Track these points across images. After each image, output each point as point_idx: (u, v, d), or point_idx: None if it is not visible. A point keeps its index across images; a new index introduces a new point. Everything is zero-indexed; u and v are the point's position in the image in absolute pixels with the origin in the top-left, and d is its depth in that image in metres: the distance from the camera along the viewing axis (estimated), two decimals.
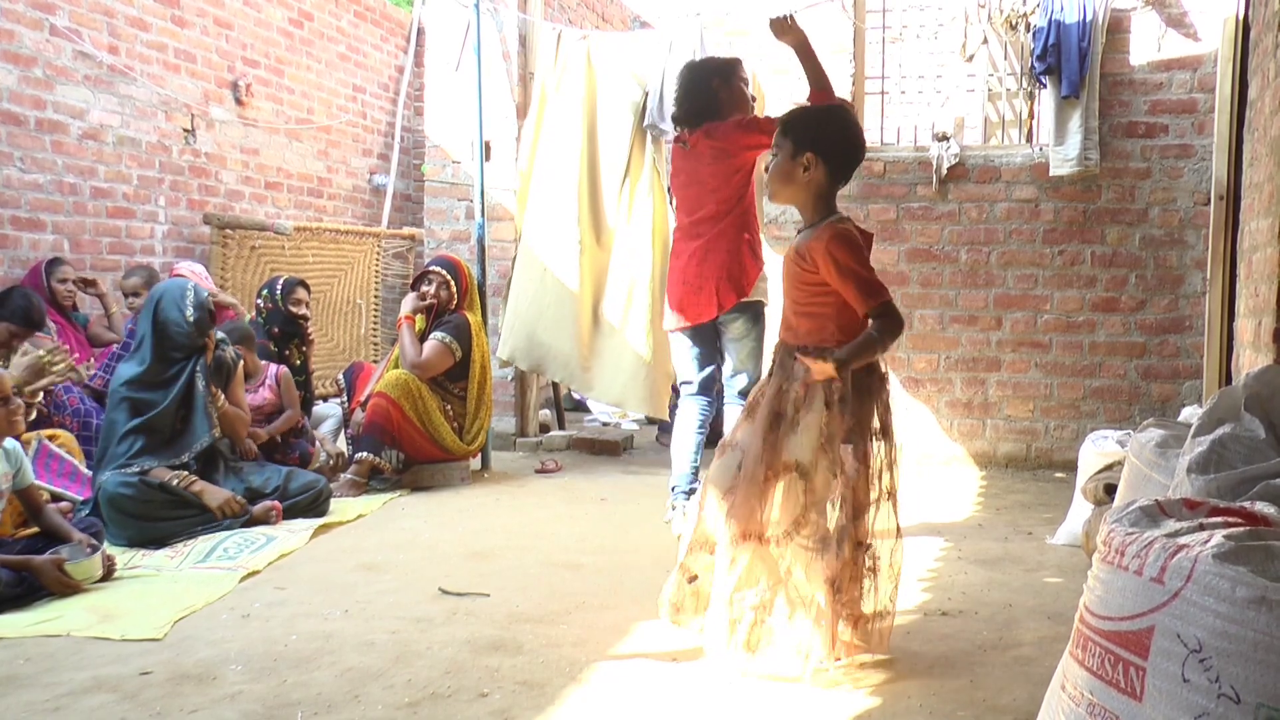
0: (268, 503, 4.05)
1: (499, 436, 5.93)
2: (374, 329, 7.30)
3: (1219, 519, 1.73)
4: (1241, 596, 1.48)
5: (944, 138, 5.66)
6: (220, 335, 4.31)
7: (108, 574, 3.28)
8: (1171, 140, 5.36)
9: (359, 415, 4.96)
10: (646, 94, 5.59)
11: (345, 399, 5.41)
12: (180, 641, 2.76)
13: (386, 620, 2.93)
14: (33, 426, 4.14)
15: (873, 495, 2.62)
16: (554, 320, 5.61)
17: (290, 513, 4.11)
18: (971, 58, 6.22)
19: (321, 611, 3.01)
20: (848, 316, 2.62)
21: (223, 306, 5.48)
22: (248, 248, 6.29)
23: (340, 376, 5.63)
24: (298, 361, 5.39)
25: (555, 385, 6.67)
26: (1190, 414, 3.68)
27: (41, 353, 3.96)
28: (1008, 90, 6.26)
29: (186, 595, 3.15)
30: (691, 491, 3.98)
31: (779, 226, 5.71)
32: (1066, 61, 5.22)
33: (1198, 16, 5.30)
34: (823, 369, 2.54)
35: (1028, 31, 5.70)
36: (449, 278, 5.07)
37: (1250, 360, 3.76)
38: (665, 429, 6.37)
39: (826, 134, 2.70)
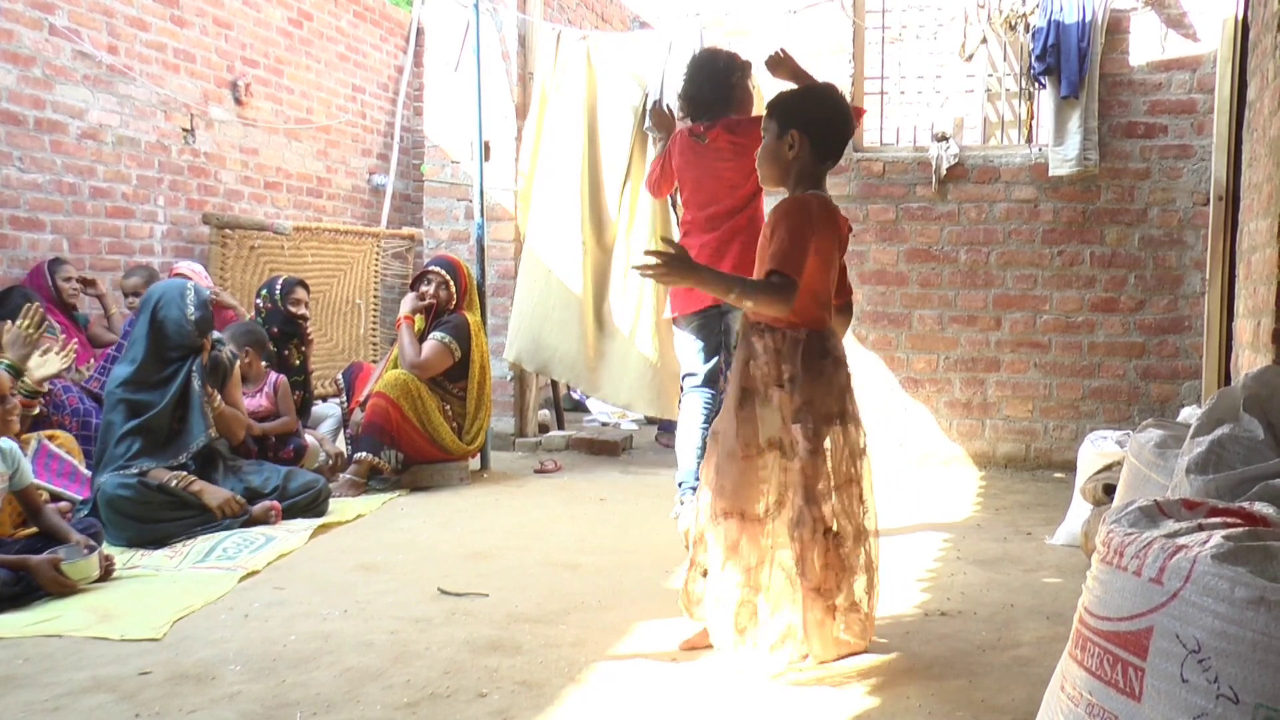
0: (267, 503, 4.05)
1: (498, 436, 5.93)
2: (373, 329, 7.30)
3: (1218, 519, 1.73)
4: (1240, 597, 1.48)
5: (943, 138, 5.67)
6: (217, 335, 4.30)
7: (106, 574, 3.28)
8: (1171, 141, 5.37)
9: (358, 415, 4.96)
10: (646, 95, 5.60)
11: (344, 399, 5.40)
12: (179, 642, 2.76)
13: (385, 620, 2.93)
14: (32, 426, 4.14)
15: (834, 481, 2.59)
16: (560, 322, 5.63)
17: (289, 513, 4.11)
18: (971, 58, 6.22)
19: (320, 611, 3.01)
20: (806, 295, 2.57)
21: (222, 307, 5.49)
22: (247, 248, 6.29)
23: (339, 376, 5.62)
24: (297, 361, 5.39)
25: (554, 385, 6.67)
26: (1189, 414, 3.68)
27: (21, 321, 3.79)
28: (1007, 90, 6.26)
29: (185, 595, 3.14)
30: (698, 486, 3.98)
31: None
32: (1066, 62, 5.22)
33: (1197, 17, 5.30)
34: (665, 263, 2.46)
35: (1027, 32, 5.69)
36: (448, 278, 5.07)
37: (1249, 361, 3.76)
38: (665, 429, 6.37)
39: (809, 111, 2.69)
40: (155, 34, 6.02)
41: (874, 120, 6.00)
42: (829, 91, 2.82)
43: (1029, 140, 5.91)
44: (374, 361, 6.56)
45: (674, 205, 5.92)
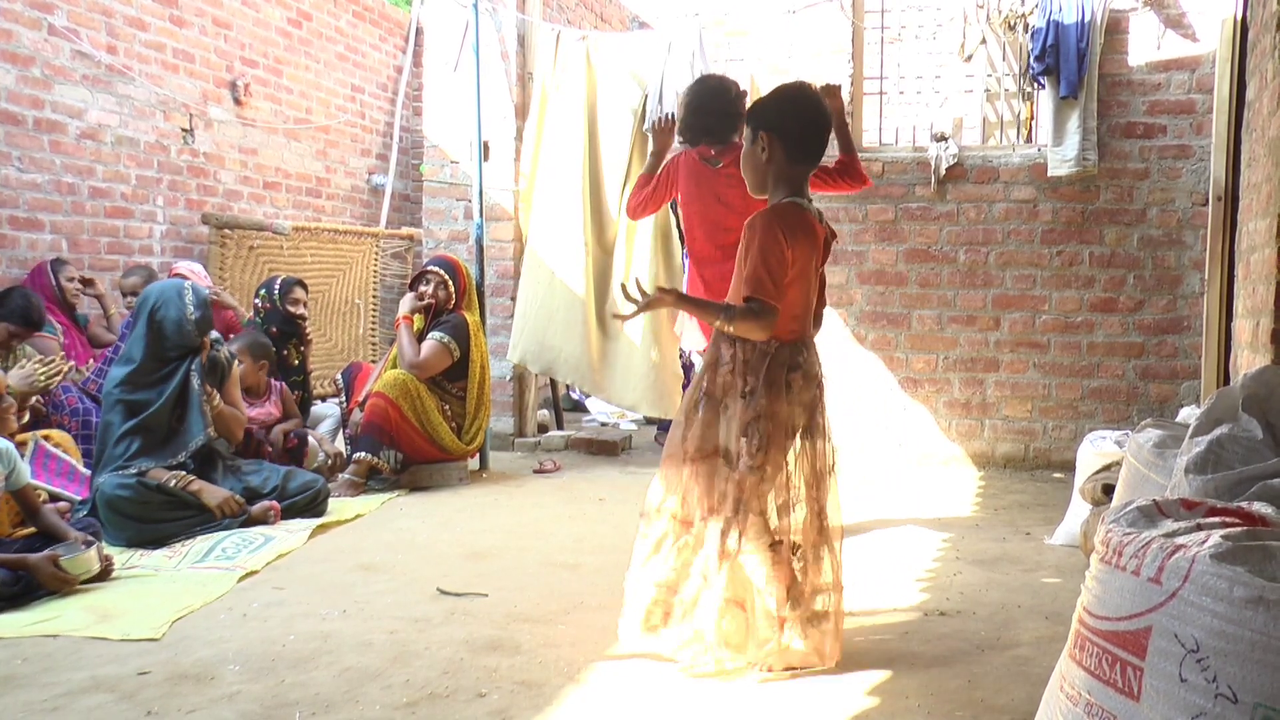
0: (266, 502, 4.05)
1: (497, 436, 5.93)
2: (372, 329, 7.30)
3: (1216, 519, 1.73)
4: (1239, 596, 1.49)
5: (942, 138, 5.67)
6: (215, 335, 4.30)
7: (105, 573, 3.27)
8: (1170, 141, 5.37)
9: (357, 415, 4.96)
10: (646, 96, 5.60)
11: (343, 399, 5.40)
12: (178, 641, 2.76)
13: (384, 620, 2.93)
14: (30, 426, 4.14)
15: (797, 495, 2.55)
16: (564, 323, 5.64)
17: (288, 512, 4.11)
18: (970, 58, 6.23)
19: (319, 611, 3.01)
20: (784, 308, 2.53)
21: (222, 307, 5.49)
22: (246, 248, 6.29)
23: (338, 376, 5.62)
24: (296, 361, 5.40)
25: (554, 385, 6.67)
26: (1188, 414, 3.68)
27: (39, 368, 4.05)
28: (1006, 91, 6.26)
29: (184, 595, 3.14)
30: None
31: None
32: (1065, 62, 5.23)
33: (1196, 17, 5.30)
34: (659, 298, 2.52)
35: (1026, 32, 5.70)
36: (447, 278, 5.07)
37: (1248, 361, 3.76)
38: (664, 429, 6.37)
39: (778, 112, 2.63)
40: (154, 34, 6.02)
41: (873, 120, 6.00)
42: (797, 90, 2.72)
43: (1028, 141, 5.91)
44: (373, 361, 6.55)
45: (674, 207, 5.93)
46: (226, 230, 6.18)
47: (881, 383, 5.67)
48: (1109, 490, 3.47)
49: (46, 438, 4.09)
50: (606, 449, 5.99)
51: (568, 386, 6.96)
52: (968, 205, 5.56)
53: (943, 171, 5.52)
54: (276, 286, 5.30)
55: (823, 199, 5.67)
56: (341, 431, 5.33)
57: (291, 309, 5.29)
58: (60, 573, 3.11)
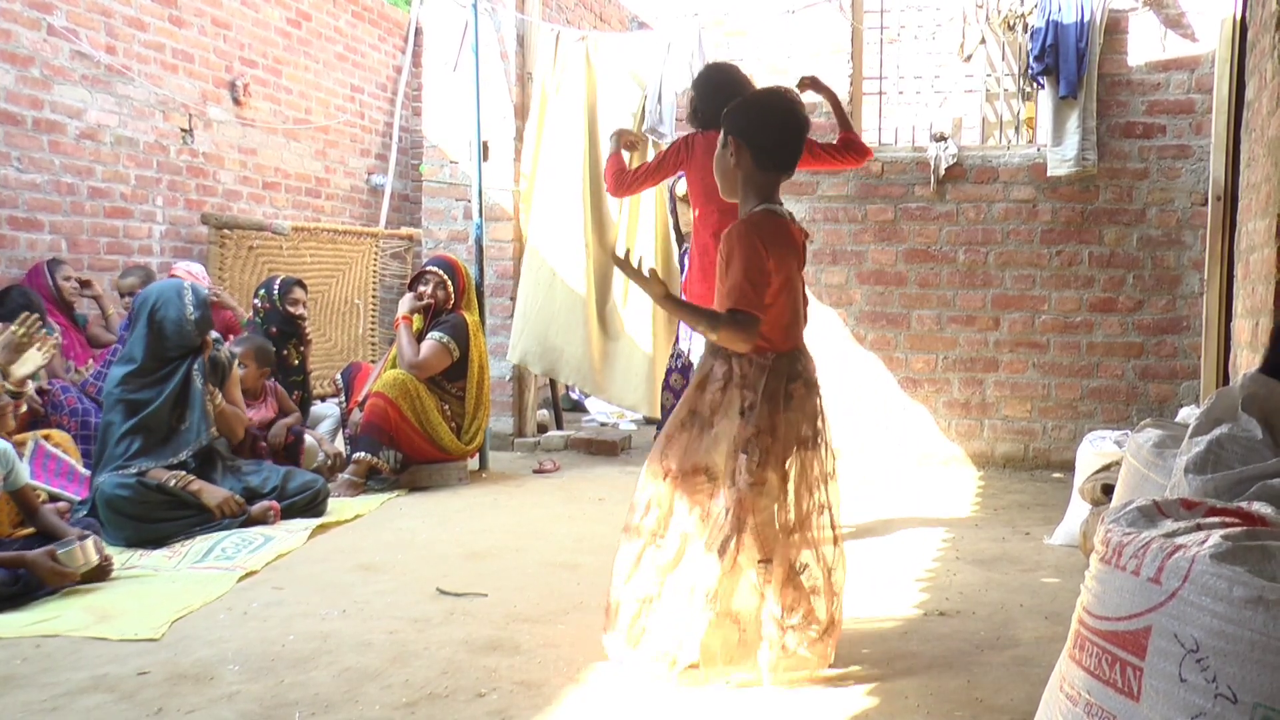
0: (266, 502, 4.05)
1: (497, 436, 5.93)
2: (372, 329, 7.30)
3: (1216, 519, 1.73)
4: (1238, 596, 1.49)
5: (942, 138, 5.67)
6: (215, 335, 4.30)
7: (105, 572, 3.27)
8: (1169, 141, 5.37)
9: (357, 415, 4.96)
10: (645, 97, 5.60)
11: (343, 399, 5.40)
12: (178, 641, 2.76)
13: (384, 620, 2.93)
14: (29, 426, 4.14)
15: (800, 509, 2.52)
16: (565, 324, 5.64)
17: (288, 513, 4.11)
18: (969, 58, 6.24)
19: (319, 611, 3.01)
20: (772, 318, 2.52)
21: (222, 307, 5.48)
22: (245, 248, 6.28)
23: (338, 376, 5.62)
24: (295, 361, 5.39)
25: (553, 385, 6.67)
26: (1188, 414, 3.68)
27: (15, 327, 3.79)
28: (1005, 91, 6.27)
29: (184, 595, 3.14)
30: None
31: None
32: (1064, 62, 5.23)
33: (1195, 17, 5.31)
34: (652, 288, 2.48)
35: (1025, 32, 5.71)
36: (446, 278, 5.07)
37: (1248, 360, 3.76)
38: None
39: (747, 119, 2.58)
40: (153, 34, 6.02)
41: (872, 120, 6.00)
42: (771, 98, 2.67)
43: (1028, 140, 5.91)
44: (372, 361, 6.55)
45: (673, 209, 5.93)
46: (226, 230, 6.18)
47: (881, 383, 5.67)
48: (1108, 490, 3.47)
49: (46, 438, 4.08)
50: (606, 449, 5.99)
51: (567, 386, 6.96)
52: (967, 205, 5.56)
53: (942, 171, 5.52)
54: (276, 287, 5.30)
55: (821, 198, 5.68)
56: (341, 431, 5.33)
57: (291, 309, 5.29)
58: (58, 567, 3.08)
